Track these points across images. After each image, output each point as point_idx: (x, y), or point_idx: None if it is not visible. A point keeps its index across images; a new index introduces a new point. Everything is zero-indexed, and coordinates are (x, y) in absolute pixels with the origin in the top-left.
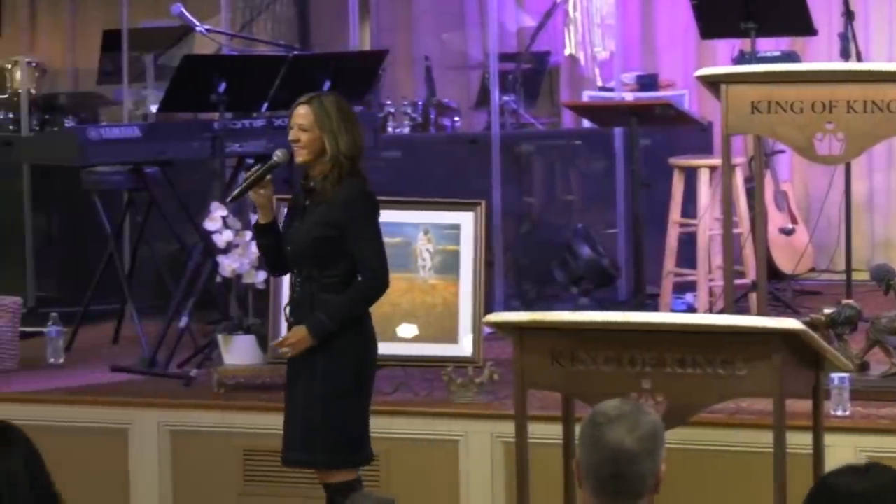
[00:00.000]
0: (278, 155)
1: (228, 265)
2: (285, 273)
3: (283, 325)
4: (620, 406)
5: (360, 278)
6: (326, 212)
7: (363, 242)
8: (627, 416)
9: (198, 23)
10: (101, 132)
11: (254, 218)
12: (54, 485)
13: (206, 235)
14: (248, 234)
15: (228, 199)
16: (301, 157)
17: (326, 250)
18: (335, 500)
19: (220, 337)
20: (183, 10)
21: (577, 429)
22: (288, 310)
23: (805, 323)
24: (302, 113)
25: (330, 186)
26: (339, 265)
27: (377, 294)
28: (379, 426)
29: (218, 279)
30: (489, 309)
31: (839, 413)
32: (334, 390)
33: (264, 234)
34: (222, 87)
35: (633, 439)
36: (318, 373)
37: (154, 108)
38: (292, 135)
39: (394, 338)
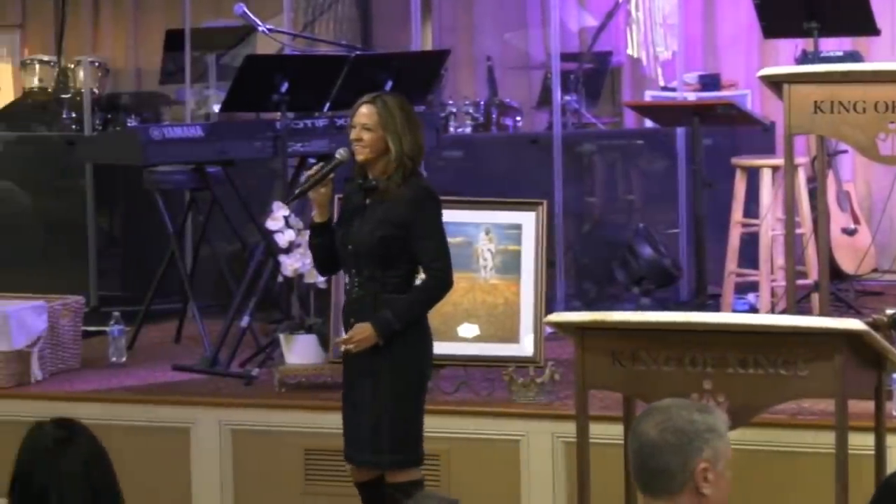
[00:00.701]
0: (341, 153)
1: (290, 264)
2: (335, 272)
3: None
4: (667, 401)
5: (423, 277)
6: (391, 211)
7: (429, 242)
8: (664, 411)
9: (260, 23)
10: (163, 132)
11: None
12: (117, 485)
13: (268, 235)
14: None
15: (291, 199)
16: (363, 155)
17: (391, 250)
18: (397, 498)
19: (281, 336)
20: (245, 9)
21: None
22: (347, 310)
23: (867, 323)
24: (366, 112)
25: (394, 186)
26: (402, 265)
27: (442, 294)
28: (440, 426)
29: (279, 278)
30: (550, 309)
31: None
32: (401, 390)
33: (320, 232)
34: (284, 86)
35: (658, 431)
36: (384, 372)
37: (216, 108)
38: (355, 134)
39: (455, 337)
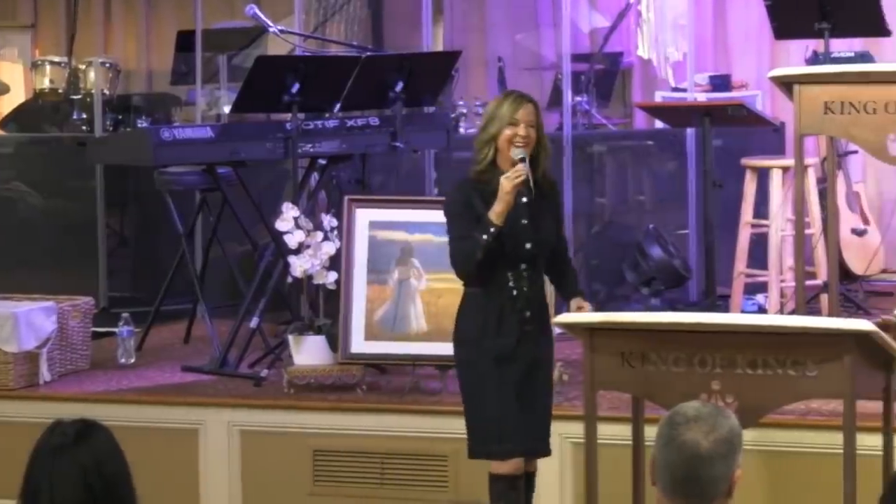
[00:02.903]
0: (524, 152)
1: (299, 265)
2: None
3: (357, 325)
4: (700, 408)
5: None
6: (553, 207)
7: (564, 233)
8: (706, 419)
9: (271, 23)
10: (173, 133)
11: (330, 219)
12: (126, 489)
13: (278, 236)
14: (320, 235)
15: (526, 197)
16: (525, 154)
17: None
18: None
19: (290, 337)
20: (257, 10)
21: (647, 430)
22: (518, 306)
23: (876, 324)
24: (532, 111)
25: (549, 183)
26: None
27: None
28: (448, 426)
29: (289, 279)
30: (559, 309)
31: None
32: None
33: (497, 236)
34: (295, 87)
35: (710, 442)
36: (548, 359)
37: (227, 109)
38: (523, 131)
39: None
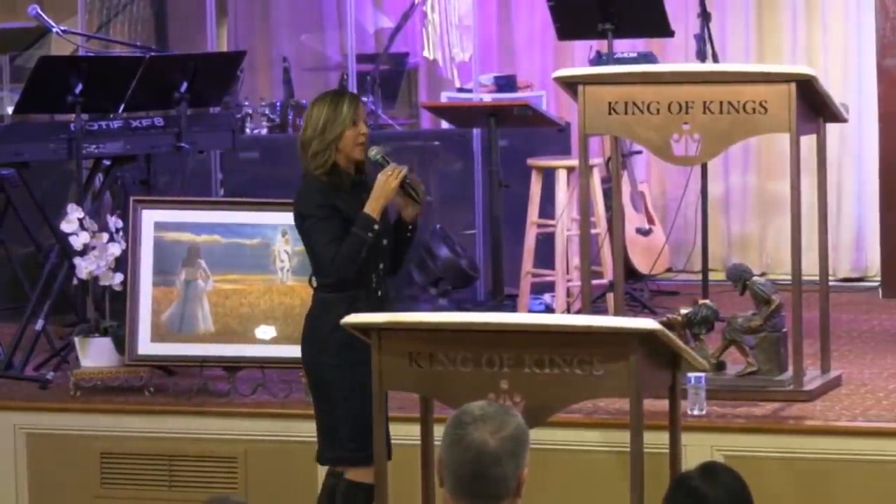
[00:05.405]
0: (381, 149)
1: (85, 267)
2: None
3: (144, 327)
4: (486, 407)
5: None
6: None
7: None
8: (492, 417)
9: (54, 24)
10: None
11: (115, 221)
12: None
13: (63, 237)
14: (105, 237)
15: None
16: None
17: None
18: None
19: (76, 339)
20: (39, 11)
21: (436, 429)
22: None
23: (662, 323)
24: (363, 108)
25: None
26: None
27: None
28: (237, 428)
29: (74, 281)
30: None
31: (696, 412)
32: None
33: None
34: (79, 88)
35: (497, 440)
36: None
37: (10, 110)
38: (364, 129)
39: (252, 339)
